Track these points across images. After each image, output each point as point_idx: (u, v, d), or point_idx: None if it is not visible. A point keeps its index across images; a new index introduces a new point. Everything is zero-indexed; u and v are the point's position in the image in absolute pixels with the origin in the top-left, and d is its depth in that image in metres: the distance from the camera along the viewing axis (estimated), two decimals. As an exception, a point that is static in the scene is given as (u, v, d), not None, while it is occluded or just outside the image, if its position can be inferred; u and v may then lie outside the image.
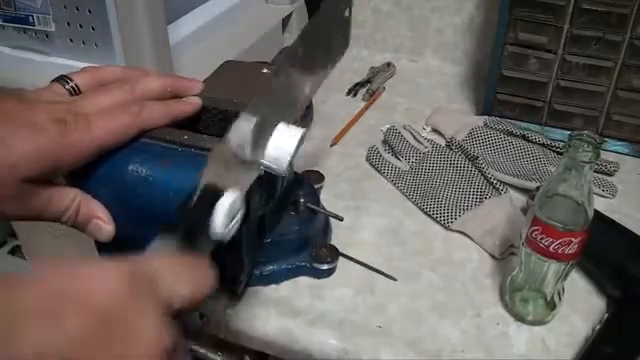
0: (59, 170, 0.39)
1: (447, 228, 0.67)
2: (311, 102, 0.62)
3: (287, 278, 0.61)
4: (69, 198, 0.40)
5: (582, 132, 0.49)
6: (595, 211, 0.51)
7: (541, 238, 0.51)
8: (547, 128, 0.82)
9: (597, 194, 0.71)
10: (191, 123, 0.44)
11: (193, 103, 0.45)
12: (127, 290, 0.28)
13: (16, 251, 0.87)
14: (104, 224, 0.41)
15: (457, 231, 0.67)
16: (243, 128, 0.37)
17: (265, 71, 0.55)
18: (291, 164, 0.44)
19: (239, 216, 0.37)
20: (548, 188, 0.51)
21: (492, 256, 0.64)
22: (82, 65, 0.68)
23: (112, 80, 0.45)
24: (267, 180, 0.52)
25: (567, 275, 0.54)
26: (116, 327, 0.27)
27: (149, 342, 0.28)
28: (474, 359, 0.54)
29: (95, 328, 0.26)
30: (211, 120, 0.46)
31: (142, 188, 0.39)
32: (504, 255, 0.63)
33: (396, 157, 0.78)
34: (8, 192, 0.37)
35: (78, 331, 0.25)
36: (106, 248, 0.44)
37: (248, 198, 0.46)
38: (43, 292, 0.26)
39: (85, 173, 0.40)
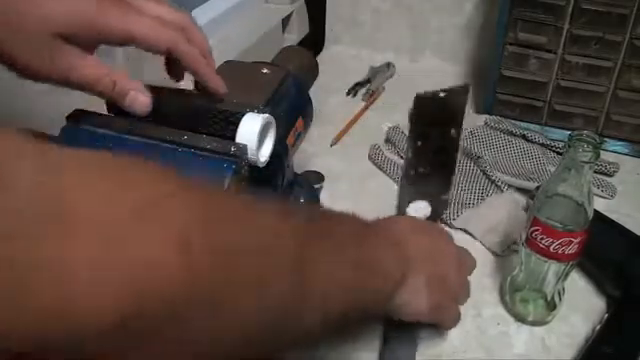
0: (86, 37, 0.39)
1: (450, 225, 0.67)
2: (311, 102, 0.62)
3: (287, 278, 0.60)
4: (106, 69, 0.40)
5: (582, 132, 0.49)
6: (595, 211, 0.51)
7: (541, 238, 0.51)
8: (547, 128, 0.82)
9: (596, 194, 0.71)
10: (191, 123, 0.44)
11: (220, 85, 0.45)
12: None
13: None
14: (141, 95, 0.41)
15: (459, 229, 0.67)
16: None
17: (265, 71, 0.55)
18: (279, 155, 0.45)
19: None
20: (548, 188, 0.51)
21: (494, 253, 0.64)
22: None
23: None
24: (267, 180, 0.52)
25: (567, 275, 0.54)
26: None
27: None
28: (474, 359, 0.54)
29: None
30: (211, 120, 0.45)
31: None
32: (505, 253, 0.63)
33: (399, 155, 0.78)
34: (38, 44, 0.38)
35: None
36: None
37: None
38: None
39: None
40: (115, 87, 0.40)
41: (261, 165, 0.43)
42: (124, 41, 0.40)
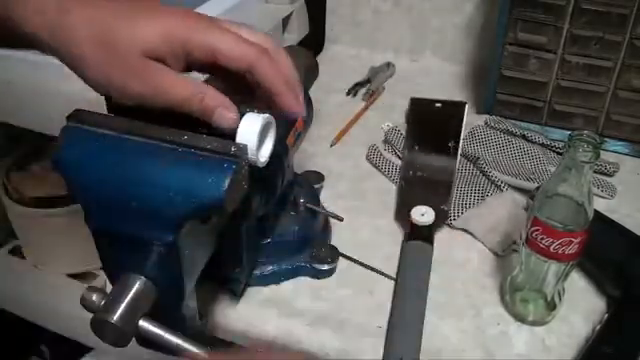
0: (174, 55, 0.40)
1: (450, 226, 0.67)
2: (311, 102, 0.62)
3: (287, 278, 0.61)
4: (194, 87, 0.41)
5: (582, 132, 0.49)
6: (595, 211, 0.51)
7: (541, 238, 0.51)
8: (547, 128, 0.82)
9: (596, 194, 0.71)
10: (190, 123, 0.44)
11: (300, 111, 0.44)
12: None
13: (16, 251, 0.87)
14: (228, 112, 0.41)
15: (460, 229, 0.67)
16: None
17: None
18: (278, 155, 0.45)
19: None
20: (548, 188, 0.51)
21: (494, 253, 0.64)
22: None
23: None
24: (267, 180, 0.52)
25: (567, 275, 0.54)
26: None
27: None
28: (474, 359, 0.54)
29: None
30: (211, 120, 0.46)
31: (142, 188, 0.39)
32: (506, 252, 0.64)
33: (397, 156, 0.78)
34: (130, 64, 0.39)
35: None
36: (106, 249, 0.43)
37: (248, 198, 0.46)
38: None
39: (84, 175, 0.40)
40: (202, 105, 0.41)
41: (261, 165, 0.43)
42: (207, 56, 0.41)
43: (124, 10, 0.40)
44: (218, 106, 0.41)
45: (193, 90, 0.41)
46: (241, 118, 0.42)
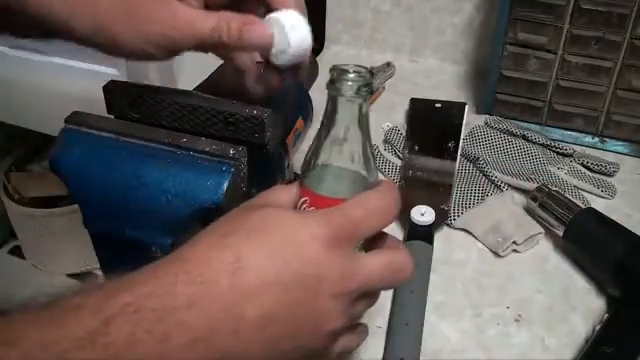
0: None
1: (450, 226, 0.67)
2: (311, 102, 0.62)
3: (287, 278, 0.60)
4: (218, 16, 0.40)
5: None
6: (595, 211, 0.51)
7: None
8: (547, 128, 0.82)
9: (596, 195, 0.71)
10: (190, 124, 0.44)
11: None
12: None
13: (16, 251, 0.86)
14: (257, 26, 0.40)
15: (460, 229, 0.67)
16: None
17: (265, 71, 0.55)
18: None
19: None
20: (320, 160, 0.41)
21: (494, 253, 0.64)
22: (81, 65, 0.68)
23: None
24: (267, 180, 0.52)
25: None
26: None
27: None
28: (474, 359, 0.54)
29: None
30: (210, 121, 0.45)
31: (140, 191, 0.39)
32: (506, 252, 0.63)
33: (397, 156, 0.78)
34: (153, 12, 0.39)
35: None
36: (105, 252, 0.44)
37: (248, 198, 0.46)
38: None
39: (82, 178, 0.40)
40: (231, 32, 0.39)
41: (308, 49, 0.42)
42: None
43: None
44: (245, 25, 0.40)
45: (218, 18, 0.40)
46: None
